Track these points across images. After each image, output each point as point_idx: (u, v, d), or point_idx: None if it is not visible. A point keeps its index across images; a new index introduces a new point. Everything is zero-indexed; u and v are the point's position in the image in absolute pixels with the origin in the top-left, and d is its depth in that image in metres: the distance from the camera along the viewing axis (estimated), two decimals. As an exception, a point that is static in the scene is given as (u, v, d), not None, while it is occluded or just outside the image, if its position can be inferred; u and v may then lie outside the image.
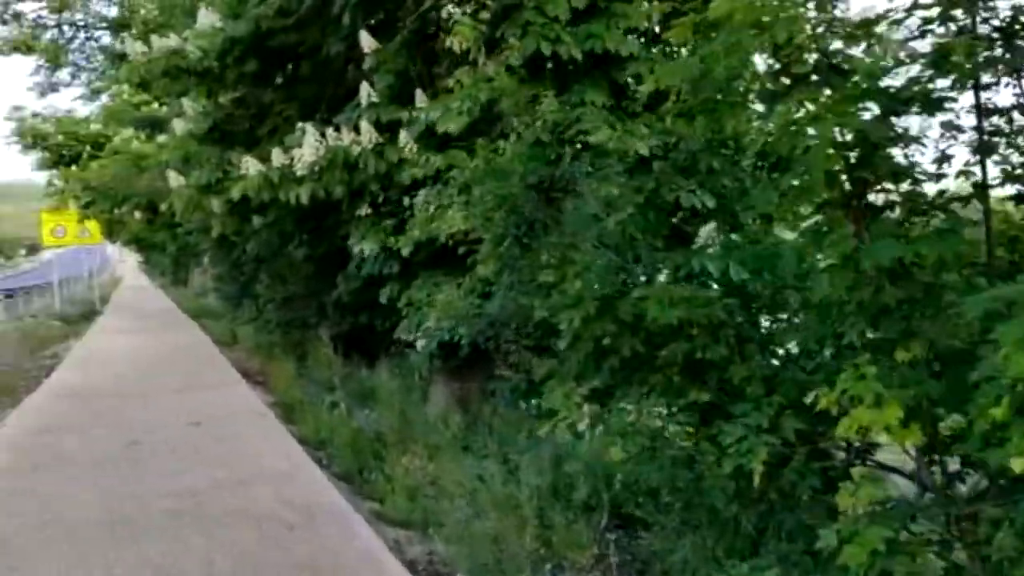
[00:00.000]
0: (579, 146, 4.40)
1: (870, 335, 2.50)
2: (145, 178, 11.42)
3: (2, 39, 17.79)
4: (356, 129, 6.23)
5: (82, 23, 18.26)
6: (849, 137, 2.44)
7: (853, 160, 2.48)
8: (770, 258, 3.28)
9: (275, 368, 11.97)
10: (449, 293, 4.68)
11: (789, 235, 3.85)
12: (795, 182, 2.83)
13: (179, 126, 8.41)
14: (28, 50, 17.92)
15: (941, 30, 2.54)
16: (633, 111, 5.05)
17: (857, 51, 2.61)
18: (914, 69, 2.52)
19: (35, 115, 21.33)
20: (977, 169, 2.69)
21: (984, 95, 2.65)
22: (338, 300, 9.95)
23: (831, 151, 2.41)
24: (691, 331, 2.85)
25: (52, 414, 8.05)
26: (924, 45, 2.57)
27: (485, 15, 5.63)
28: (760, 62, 2.77)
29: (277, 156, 6.49)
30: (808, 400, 2.43)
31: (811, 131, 2.40)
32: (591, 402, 3.36)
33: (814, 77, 2.54)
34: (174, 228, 19.84)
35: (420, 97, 6.15)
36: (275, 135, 8.47)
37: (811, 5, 2.53)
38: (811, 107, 2.47)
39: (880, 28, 2.57)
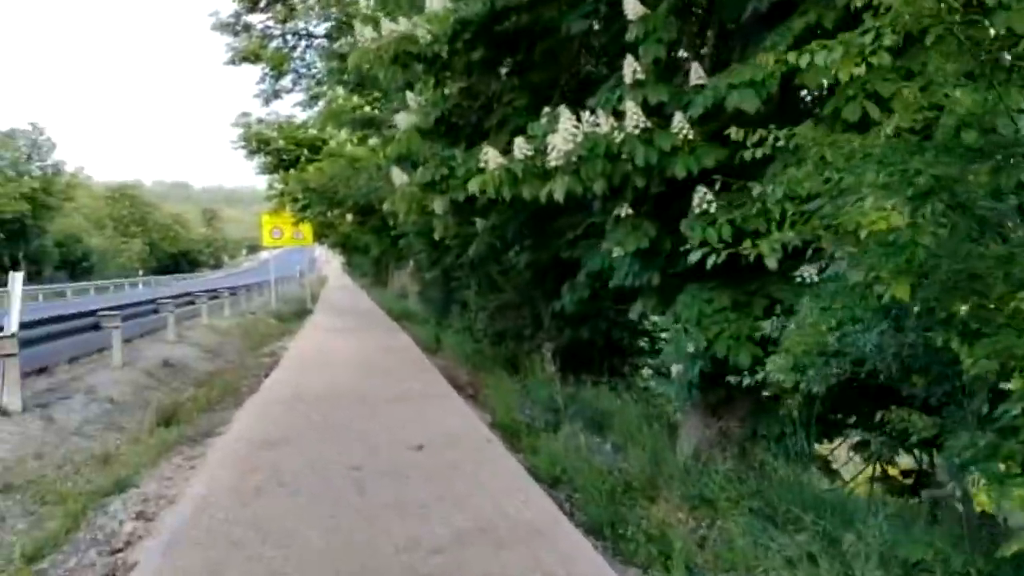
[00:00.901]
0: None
1: None
2: (361, 179, 11.20)
3: (234, 49, 18.66)
4: (615, 114, 5.20)
5: (304, 32, 18.87)
6: None
7: None
8: None
9: (485, 380, 11.30)
10: (806, 316, 3.42)
11: None
12: None
13: (403, 121, 7.82)
14: (256, 59, 18.75)
15: None
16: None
17: None
18: None
19: (259, 121, 22.49)
20: None
21: None
22: (558, 311, 9.03)
23: None
24: None
25: (271, 422, 7.69)
26: None
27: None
28: None
29: (520, 147, 5.60)
30: None
31: None
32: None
33: None
34: (381, 231, 20.06)
35: (696, 72, 5.02)
36: (504, 128, 7.69)
37: None
38: None
39: None
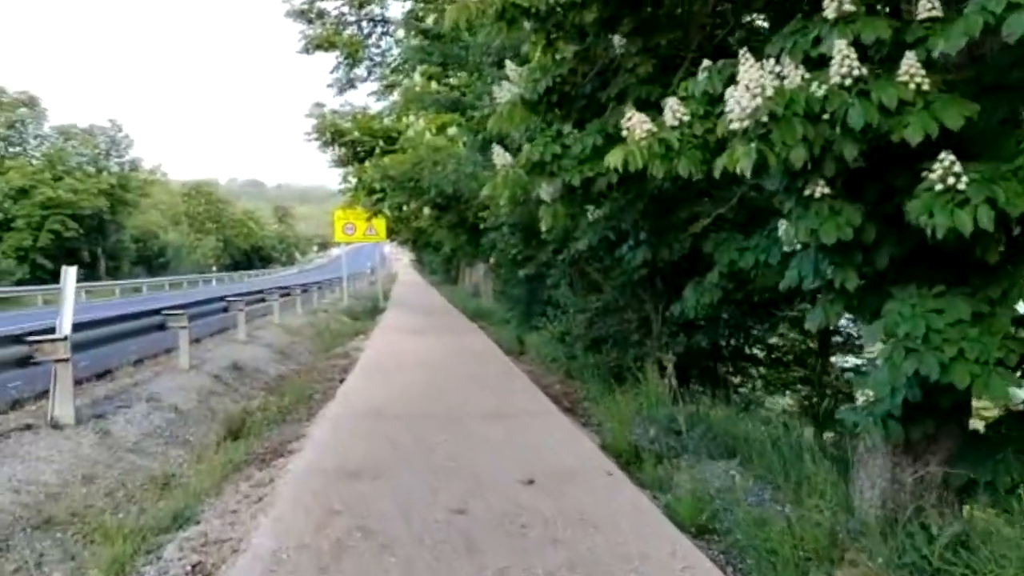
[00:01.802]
0: None
1: None
2: (449, 167, 10.02)
3: (308, 37, 17.88)
4: (805, 62, 3.91)
5: (380, 17, 17.96)
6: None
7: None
8: None
9: (582, 391, 10.08)
10: None
11: None
12: None
13: (504, 92, 6.65)
14: (330, 46, 17.95)
15: None
16: None
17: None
18: None
19: (333, 112, 21.73)
20: None
21: None
22: (676, 315, 7.75)
23: None
24: None
25: (350, 444, 6.63)
26: None
27: None
28: None
29: (674, 110, 4.35)
30: None
31: None
32: None
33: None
34: (458, 226, 19.03)
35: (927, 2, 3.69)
36: (624, 99, 6.43)
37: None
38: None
39: None
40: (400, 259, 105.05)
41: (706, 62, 4.62)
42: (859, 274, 4.26)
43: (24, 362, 6.95)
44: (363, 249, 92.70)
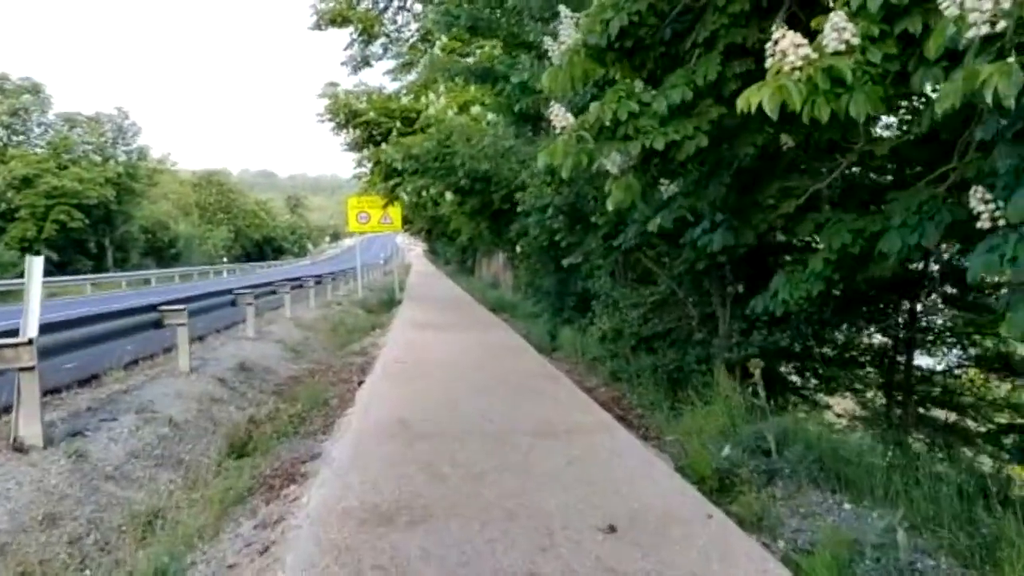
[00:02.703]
0: None
1: None
2: (486, 140, 8.71)
3: (320, 12, 16.63)
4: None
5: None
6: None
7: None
8: None
9: (635, 397, 8.86)
10: None
11: None
12: None
13: (564, 37, 5.40)
14: (343, 21, 16.69)
15: None
16: None
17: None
18: None
19: (347, 92, 20.46)
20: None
21: None
22: (760, 311, 6.49)
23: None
24: None
25: (377, 472, 5.42)
26: None
27: None
28: None
29: (839, 28, 3.10)
30: None
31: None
32: None
33: None
34: (480, 213, 17.79)
35: None
36: (713, 45, 5.19)
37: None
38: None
39: None
40: (413, 249, 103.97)
41: None
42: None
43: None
44: (376, 240, 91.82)
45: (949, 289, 8.15)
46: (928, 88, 3.28)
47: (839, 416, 9.88)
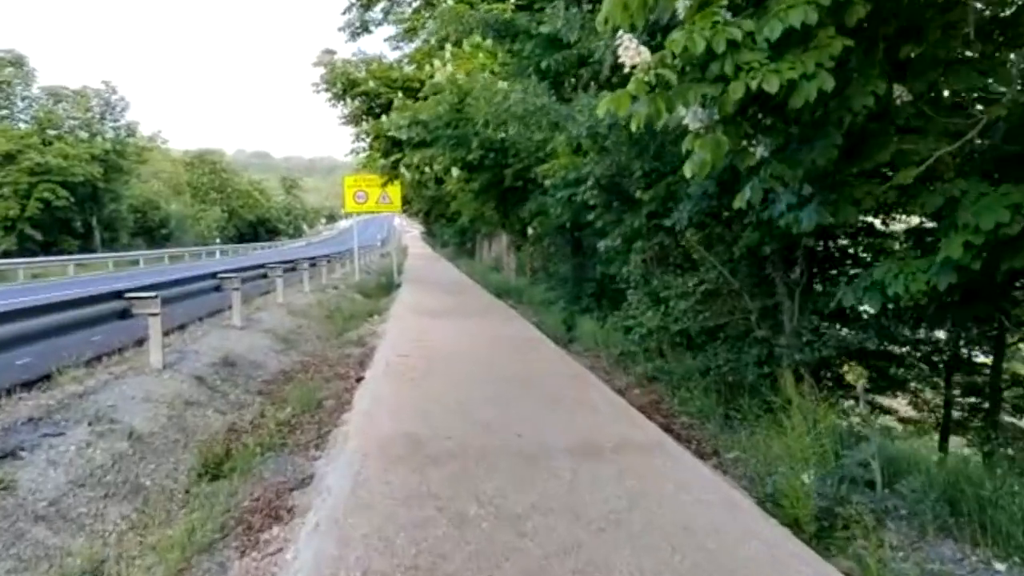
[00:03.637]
0: None
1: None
2: (512, 99, 7.39)
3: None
4: None
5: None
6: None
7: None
8: None
9: (673, 400, 7.65)
10: None
11: None
12: None
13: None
14: (341, -19, 15.26)
15: None
16: None
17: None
18: None
19: (345, 61, 19.03)
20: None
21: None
22: (846, 305, 5.29)
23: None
24: None
25: (383, 516, 4.20)
26: None
27: None
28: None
29: None
30: None
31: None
32: None
33: None
34: (489, 190, 16.50)
35: None
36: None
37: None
38: None
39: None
40: (410, 231, 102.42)
41: None
42: None
43: None
44: (373, 221, 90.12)
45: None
46: None
47: (903, 421, 8.70)
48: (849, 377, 4.96)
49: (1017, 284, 6.10)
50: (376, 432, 5.88)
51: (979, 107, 4.53)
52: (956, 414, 8.26)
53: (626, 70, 3.86)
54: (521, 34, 8.81)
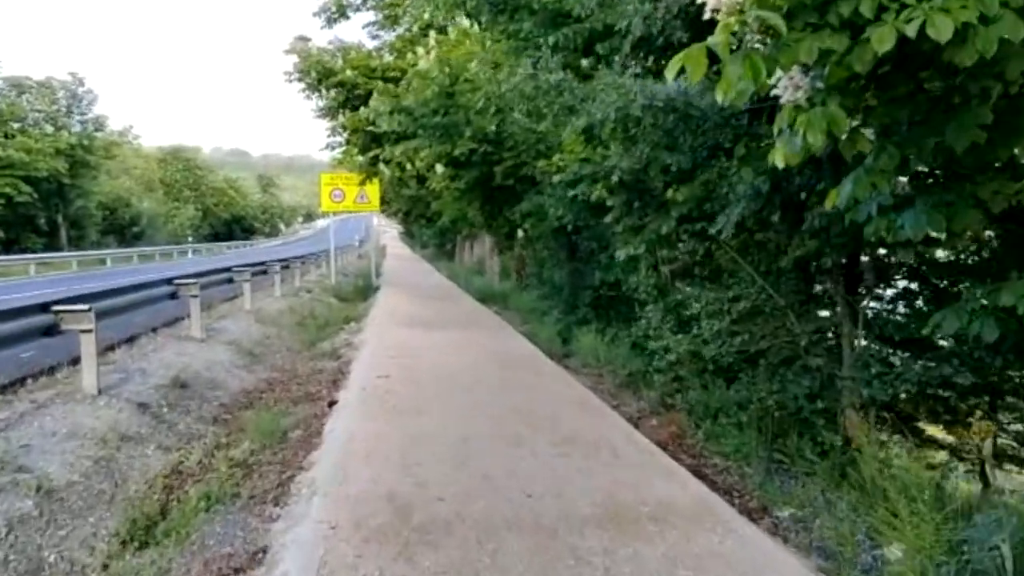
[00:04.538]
0: None
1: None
2: (517, 77, 6.23)
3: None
4: None
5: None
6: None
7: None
8: None
9: (697, 435, 6.54)
10: None
11: None
12: None
13: None
14: (317, -37, 13.98)
15: None
16: None
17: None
18: None
19: (321, 50, 17.72)
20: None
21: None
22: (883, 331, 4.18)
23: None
24: None
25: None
26: None
27: None
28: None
29: None
30: None
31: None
32: None
33: None
34: (474, 189, 15.32)
35: None
36: None
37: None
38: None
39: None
40: (388, 231, 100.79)
41: None
42: None
43: None
44: (350, 220, 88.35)
45: None
46: None
47: (958, 455, 7.63)
48: (984, 438, 3.85)
49: None
50: (349, 490, 4.68)
51: None
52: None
53: (707, 14, 2.73)
54: (521, 8, 7.68)
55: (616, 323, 10.77)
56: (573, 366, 10.38)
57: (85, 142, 43.80)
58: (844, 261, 5.46)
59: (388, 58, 16.39)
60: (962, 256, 5.52)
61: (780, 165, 3.06)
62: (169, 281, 10.26)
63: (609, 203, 6.01)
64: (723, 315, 6.09)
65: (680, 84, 4.70)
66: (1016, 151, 3.63)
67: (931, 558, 3.66)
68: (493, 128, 10.47)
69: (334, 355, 11.44)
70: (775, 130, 3.07)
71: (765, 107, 5.14)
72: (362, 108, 13.97)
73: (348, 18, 16.53)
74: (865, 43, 2.52)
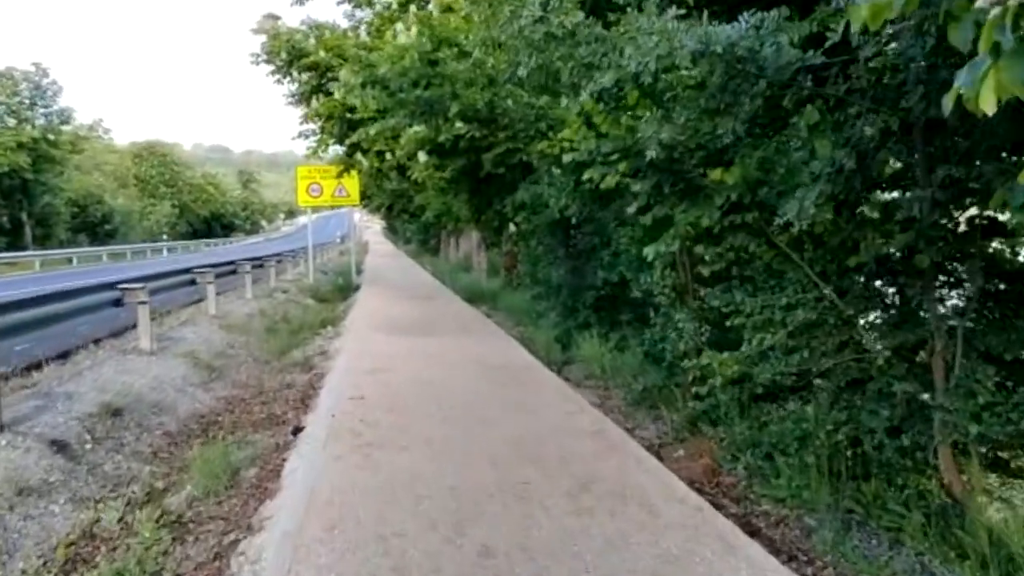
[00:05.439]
0: None
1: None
2: (522, 22, 4.98)
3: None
4: None
5: None
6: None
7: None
8: None
9: (729, 462, 5.37)
10: None
11: None
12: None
13: None
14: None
15: None
16: None
17: None
18: None
19: (292, 29, 16.33)
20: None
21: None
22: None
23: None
24: None
25: None
26: None
27: None
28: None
29: None
30: None
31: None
32: None
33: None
34: (460, 180, 14.07)
35: None
36: None
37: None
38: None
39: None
40: (370, 226, 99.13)
41: None
42: None
43: None
44: (332, 217, 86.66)
45: None
46: None
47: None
48: None
49: None
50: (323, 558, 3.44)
51: None
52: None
53: None
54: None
55: (621, 328, 9.57)
56: (575, 377, 9.17)
57: (50, 136, 41.85)
58: (940, 261, 4.27)
59: (364, 37, 15.08)
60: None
61: (990, 111, 1.84)
62: (112, 286, 8.93)
63: (635, 188, 4.80)
64: (775, 326, 4.88)
65: (745, 24, 3.48)
66: None
67: None
68: (484, 103, 9.16)
69: (306, 365, 10.20)
70: (968, 55, 1.86)
71: (836, 62, 3.94)
72: (336, 94, 12.66)
73: (318, -2, 15.23)
74: None
